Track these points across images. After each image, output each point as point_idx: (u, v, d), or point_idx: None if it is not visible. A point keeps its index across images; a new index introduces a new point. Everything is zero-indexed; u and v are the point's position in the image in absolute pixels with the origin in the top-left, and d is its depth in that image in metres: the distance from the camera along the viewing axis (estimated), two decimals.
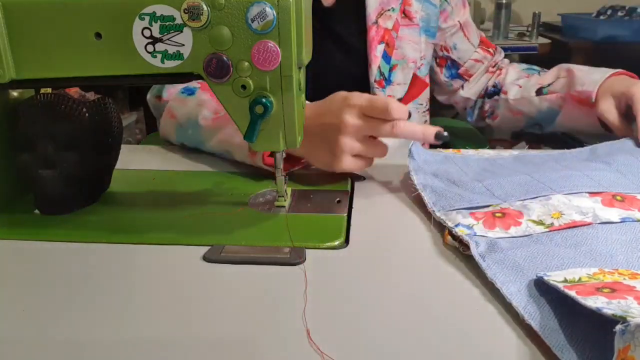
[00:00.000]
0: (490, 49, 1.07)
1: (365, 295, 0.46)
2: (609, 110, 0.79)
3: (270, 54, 0.50)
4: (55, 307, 0.45)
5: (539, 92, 0.95)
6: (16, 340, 0.41)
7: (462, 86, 1.08)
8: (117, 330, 0.42)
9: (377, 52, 0.94)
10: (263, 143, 0.55)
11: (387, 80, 0.96)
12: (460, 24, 1.03)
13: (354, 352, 0.39)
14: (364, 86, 0.96)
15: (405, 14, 0.96)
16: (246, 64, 0.51)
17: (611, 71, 0.84)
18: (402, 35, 0.96)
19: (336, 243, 0.54)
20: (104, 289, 0.47)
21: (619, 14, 2.31)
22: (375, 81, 0.95)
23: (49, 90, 0.61)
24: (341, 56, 0.96)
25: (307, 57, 0.54)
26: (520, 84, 1.01)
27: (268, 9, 0.49)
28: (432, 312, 0.43)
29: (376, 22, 0.93)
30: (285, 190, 0.62)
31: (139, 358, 0.39)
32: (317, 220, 0.58)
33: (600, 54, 2.36)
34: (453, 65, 1.06)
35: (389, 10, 0.95)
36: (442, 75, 1.08)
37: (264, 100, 0.51)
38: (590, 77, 0.85)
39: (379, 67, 0.95)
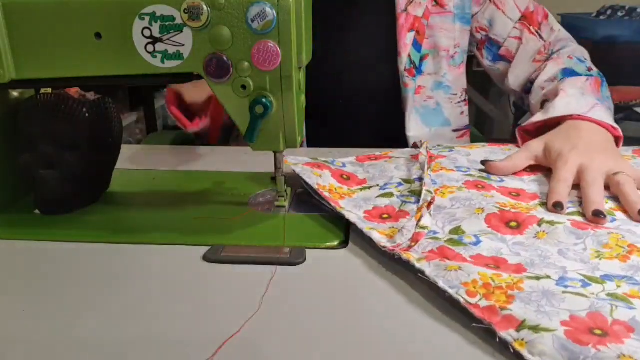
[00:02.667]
0: (533, 28, 0.91)
1: (365, 295, 0.46)
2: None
3: (270, 54, 0.50)
4: (55, 307, 0.45)
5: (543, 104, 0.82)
6: (16, 340, 0.41)
7: (508, 72, 0.94)
8: (117, 329, 0.42)
9: (407, 40, 0.91)
10: (263, 143, 0.55)
11: (417, 70, 0.93)
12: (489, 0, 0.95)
13: (354, 352, 0.39)
14: (393, 77, 0.93)
15: (436, 1, 0.92)
16: (246, 64, 0.51)
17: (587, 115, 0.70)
18: (433, 24, 0.92)
19: (336, 243, 0.54)
20: (103, 289, 0.47)
21: (619, 14, 2.31)
22: (405, 69, 0.92)
23: (49, 90, 0.61)
24: (368, 48, 0.94)
25: (307, 57, 0.54)
26: (545, 87, 0.83)
27: (268, 9, 0.49)
28: (431, 311, 0.43)
29: (405, 9, 0.91)
30: (286, 190, 0.62)
31: (138, 357, 0.39)
32: (317, 220, 0.58)
33: (600, 54, 2.35)
34: (492, 45, 0.96)
35: None
36: (485, 59, 0.98)
37: (264, 100, 0.51)
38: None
39: (409, 55, 0.92)
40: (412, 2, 0.91)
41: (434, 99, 0.96)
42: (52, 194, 0.60)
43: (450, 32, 0.94)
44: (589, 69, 0.83)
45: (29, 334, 0.41)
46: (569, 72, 0.82)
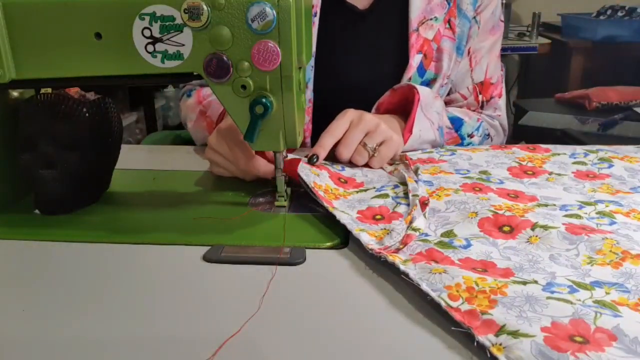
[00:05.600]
0: (482, 97, 0.95)
1: (365, 295, 0.46)
2: None
3: (270, 54, 0.50)
4: (55, 307, 0.45)
5: None
6: (16, 340, 0.41)
7: None
8: (117, 329, 0.42)
9: (413, 62, 0.88)
10: (263, 143, 0.55)
11: None
12: (470, 50, 0.92)
13: (355, 352, 0.39)
14: None
15: (450, 24, 0.89)
16: (246, 64, 0.51)
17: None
18: (443, 47, 0.89)
19: (336, 243, 0.54)
20: (103, 289, 0.47)
21: (619, 14, 2.32)
22: None
23: (49, 90, 0.61)
24: (376, 65, 0.91)
25: (307, 57, 0.54)
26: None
27: (268, 9, 0.49)
28: (431, 310, 0.43)
29: (417, 29, 0.87)
30: (286, 191, 0.62)
31: (138, 357, 0.39)
32: (317, 220, 0.58)
33: (600, 54, 2.36)
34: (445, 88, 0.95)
35: (431, 19, 0.88)
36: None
37: (264, 100, 0.51)
38: None
39: (410, 78, 0.88)
40: (424, 22, 0.88)
41: None
42: (52, 194, 0.60)
43: (451, 60, 0.90)
44: (471, 136, 0.90)
45: (29, 334, 0.41)
46: (458, 125, 0.89)
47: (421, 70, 0.89)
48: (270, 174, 0.67)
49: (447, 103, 0.96)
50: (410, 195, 0.59)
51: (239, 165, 0.68)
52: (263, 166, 0.67)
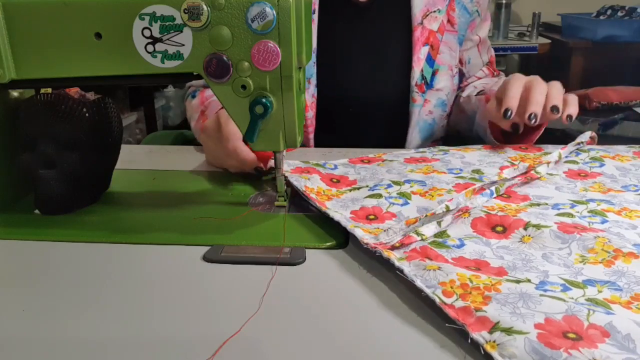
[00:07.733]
0: (495, 73, 1.04)
1: (365, 295, 0.46)
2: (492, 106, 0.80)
3: (270, 54, 0.50)
4: (55, 307, 0.45)
5: (480, 93, 0.95)
6: (16, 340, 0.41)
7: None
8: (117, 330, 0.42)
9: (421, 55, 0.90)
10: (263, 143, 0.55)
11: (428, 85, 0.92)
12: (480, 39, 0.99)
13: (354, 351, 0.39)
14: (403, 91, 0.93)
15: (449, 18, 0.93)
16: (246, 64, 0.51)
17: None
18: (444, 40, 0.93)
19: (336, 243, 0.54)
20: (103, 289, 0.47)
21: (619, 14, 2.32)
22: (416, 84, 0.91)
23: (49, 90, 0.61)
24: (381, 60, 0.93)
25: (307, 57, 0.54)
26: (475, 85, 1.00)
27: (268, 9, 0.49)
28: (427, 309, 0.43)
29: (422, 22, 0.90)
30: (286, 191, 0.62)
31: (138, 357, 0.39)
32: (317, 220, 0.58)
33: (600, 54, 2.36)
34: (460, 77, 1.01)
35: (435, 11, 0.91)
36: None
37: (264, 100, 0.51)
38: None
39: (422, 70, 0.91)
40: (427, 15, 0.90)
41: (433, 114, 0.95)
42: (52, 194, 0.60)
43: (454, 51, 0.94)
44: None
45: (29, 334, 0.41)
46: None
47: (430, 61, 0.92)
48: (252, 162, 0.68)
49: (465, 87, 1.01)
50: (447, 203, 0.56)
51: (223, 147, 0.69)
52: (245, 152, 0.68)
